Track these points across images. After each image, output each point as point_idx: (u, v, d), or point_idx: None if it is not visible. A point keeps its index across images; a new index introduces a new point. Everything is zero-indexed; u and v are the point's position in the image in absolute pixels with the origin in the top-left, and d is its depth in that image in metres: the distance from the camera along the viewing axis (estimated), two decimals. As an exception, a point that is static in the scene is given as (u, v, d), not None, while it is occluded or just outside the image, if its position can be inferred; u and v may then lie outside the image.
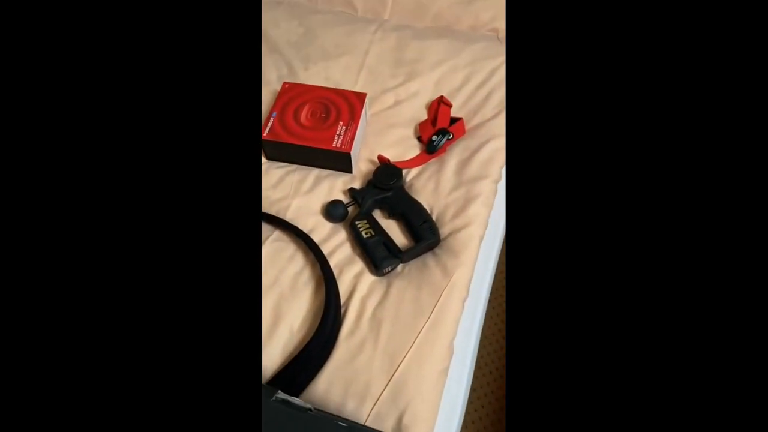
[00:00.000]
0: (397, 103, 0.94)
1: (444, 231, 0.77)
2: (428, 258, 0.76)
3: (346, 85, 0.94)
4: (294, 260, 0.76)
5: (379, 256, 0.73)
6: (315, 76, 0.96)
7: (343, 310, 0.71)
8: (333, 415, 0.54)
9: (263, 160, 0.87)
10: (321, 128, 0.84)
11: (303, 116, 0.85)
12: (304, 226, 0.78)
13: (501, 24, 1.04)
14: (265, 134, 0.83)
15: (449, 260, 0.74)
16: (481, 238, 0.78)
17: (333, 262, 0.75)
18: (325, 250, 0.76)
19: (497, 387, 1.23)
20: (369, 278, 0.74)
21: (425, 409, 0.64)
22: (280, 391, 0.51)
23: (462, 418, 0.72)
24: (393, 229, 0.78)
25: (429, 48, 0.98)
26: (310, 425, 0.49)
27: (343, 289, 0.73)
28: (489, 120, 0.89)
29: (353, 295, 0.72)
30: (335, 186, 0.84)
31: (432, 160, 0.86)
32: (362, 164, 0.86)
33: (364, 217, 0.77)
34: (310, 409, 0.50)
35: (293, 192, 0.83)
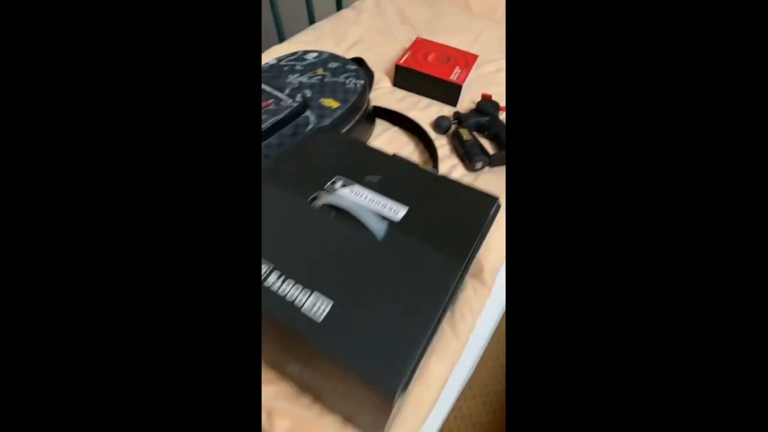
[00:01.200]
0: (498, 70, 1.18)
1: (526, 151, 0.98)
2: (511, 166, 0.96)
3: (461, 51, 1.20)
4: (408, 145, 0.98)
5: (474, 152, 0.94)
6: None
7: (440, 183, 0.91)
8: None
9: (389, 85, 1.12)
10: (442, 66, 1.09)
11: (430, 58, 1.11)
12: (417, 127, 1.01)
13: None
14: (400, 62, 1.09)
15: (528, 166, 0.94)
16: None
17: (435, 156, 0.96)
18: (430, 147, 0.97)
19: (496, 381, 1.33)
20: (462, 170, 0.95)
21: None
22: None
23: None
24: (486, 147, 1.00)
25: (530, 39, 1.24)
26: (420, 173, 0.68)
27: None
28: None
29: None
30: (442, 111, 1.07)
31: (522, 108, 1.08)
32: (464, 103, 1.10)
33: (466, 127, 1.00)
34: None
35: (411, 106, 1.07)
